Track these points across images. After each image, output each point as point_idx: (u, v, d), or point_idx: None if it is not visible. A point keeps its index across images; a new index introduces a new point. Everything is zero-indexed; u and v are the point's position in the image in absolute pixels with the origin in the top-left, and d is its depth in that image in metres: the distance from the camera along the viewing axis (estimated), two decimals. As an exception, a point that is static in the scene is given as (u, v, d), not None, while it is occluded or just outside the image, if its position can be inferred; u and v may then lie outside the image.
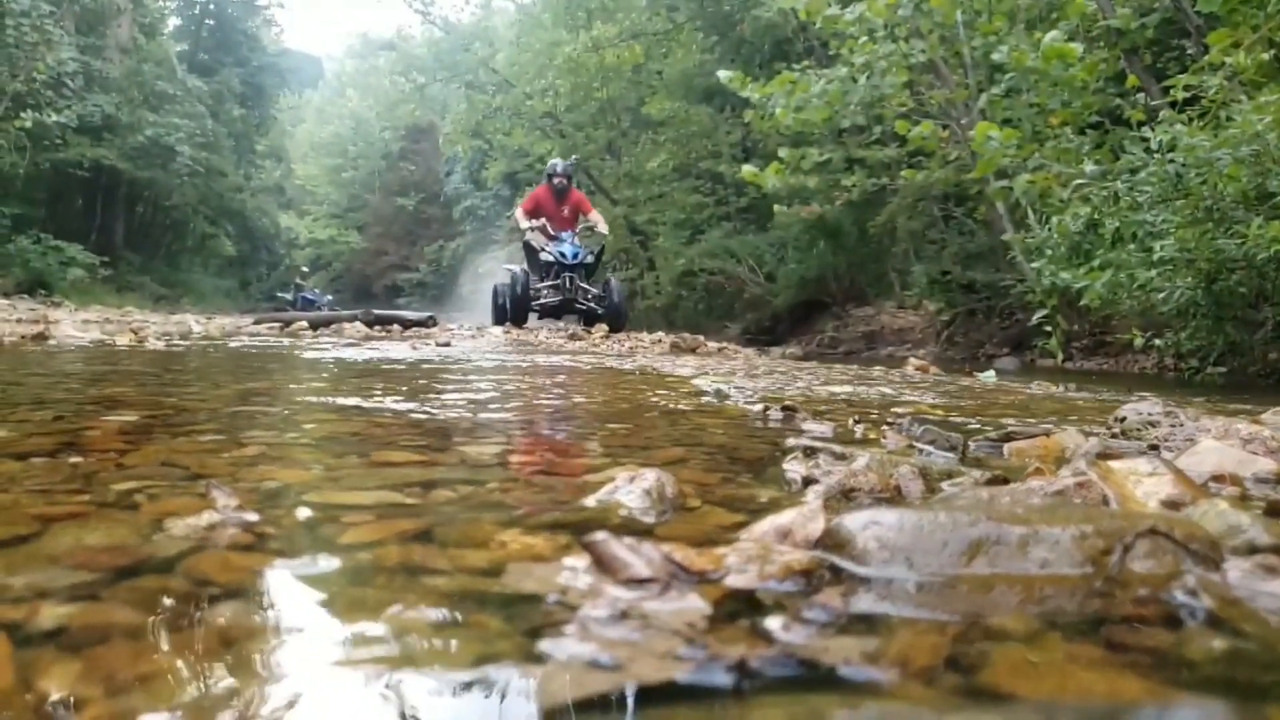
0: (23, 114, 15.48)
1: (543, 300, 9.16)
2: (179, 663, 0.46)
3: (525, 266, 9.72)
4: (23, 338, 4.23)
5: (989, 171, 5.93)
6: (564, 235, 9.24)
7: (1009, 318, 7.97)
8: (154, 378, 2.34)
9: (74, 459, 0.99)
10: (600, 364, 3.50)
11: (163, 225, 25.66)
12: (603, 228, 9.69)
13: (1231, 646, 0.51)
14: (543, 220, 9.33)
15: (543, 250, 9.24)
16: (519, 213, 9.70)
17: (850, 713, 0.42)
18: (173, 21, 27.96)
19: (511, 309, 8.96)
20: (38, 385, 2.05)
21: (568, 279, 9.03)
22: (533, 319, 9.37)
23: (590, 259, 9.33)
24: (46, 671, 0.44)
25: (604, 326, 9.06)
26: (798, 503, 0.75)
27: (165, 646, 0.48)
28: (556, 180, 9.71)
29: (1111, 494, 0.79)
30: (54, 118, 16.03)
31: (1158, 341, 5.01)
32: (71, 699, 0.41)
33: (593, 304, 9.12)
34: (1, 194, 16.85)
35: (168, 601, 0.55)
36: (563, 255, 9.07)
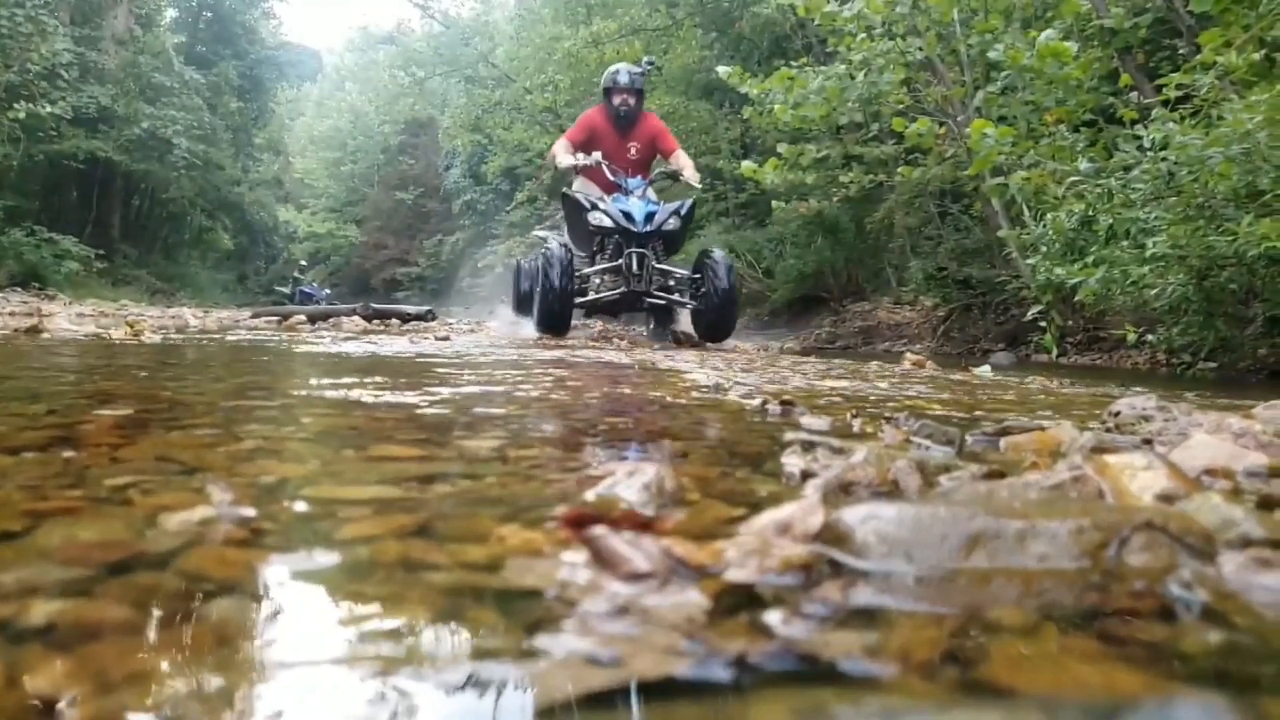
0: (16, 105, 15.41)
1: (595, 293, 5.67)
2: (172, 660, 0.46)
3: (565, 238, 6.04)
4: (16, 331, 4.22)
5: (985, 168, 5.94)
6: (631, 184, 5.70)
7: (1004, 313, 7.99)
8: (149, 372, 2.33)
9: (67, 453, 0.98)
10: (599, 358, 3.50)
11: (159, 218, 25.60)
12: (691, 175, 5.92)
13: (1226, 639, 0.51)
14: (596, 155, 5.77)
15: (594, 208, 5.57)
16: (559, 145, 6.06)
17: (850, 706, 0.42)
18: (170, 13, 27.82)
19: (544, 306, 5.36)
20: (31, 379, 2.04)
21: (635, 257, 5.50)
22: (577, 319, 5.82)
23: (674, 224, 5.64)
24: (36, 669, 0.43)
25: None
26: (796, 497, 0.75)
27: (158, 643, 0.48)
28: (619, 100, 6.01)
29: (1107, 488, 0.80)
30: (48, 109, 15.96)
31: (1150, 337, 5.04)
32: (62, 696, 0.41)
33: (679, 296, 5.69)
34: (-5, 186, 16.78)
35: (161, 598, 0.54)
36: (629, 217, 5.48)
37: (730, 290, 5.53)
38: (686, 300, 5.71)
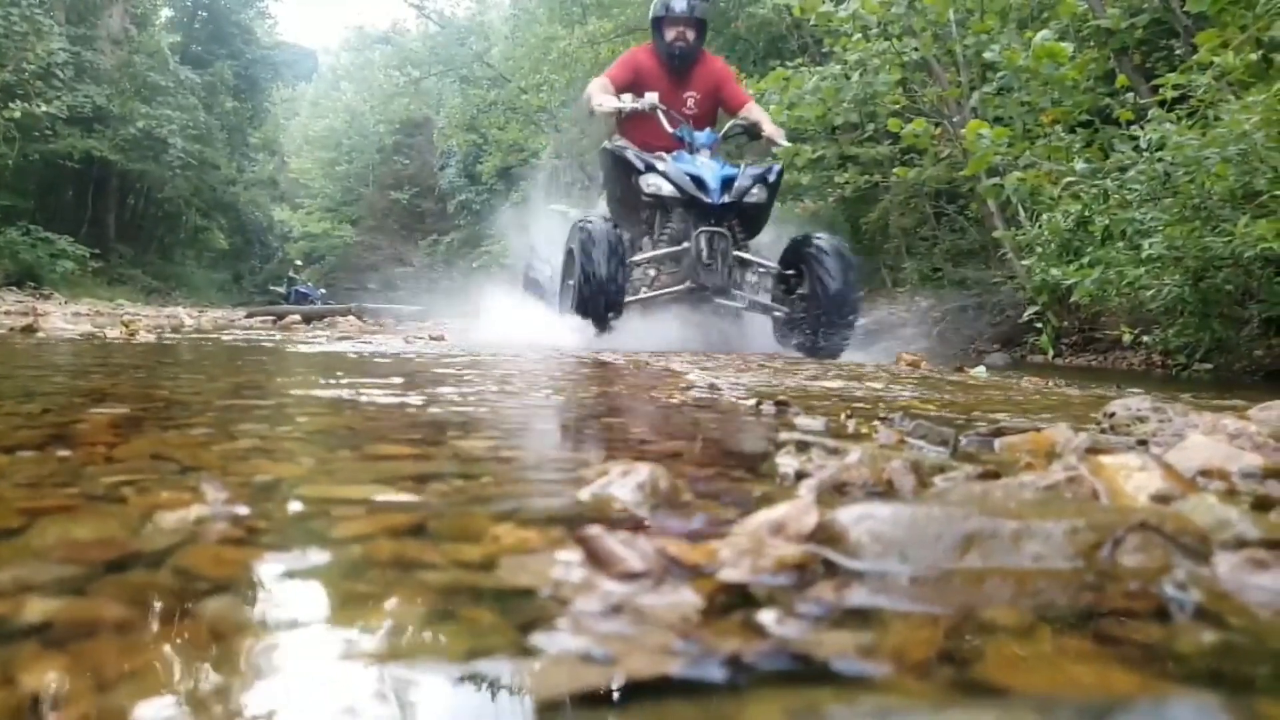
0: (12, 104, 15.38)
1: (648, 289, 4.21)
2: (167, 658, 0.46)
3: (605, 212, 4.54)
4: (11, 330, 4.20)
5: (980, 169, 5.95)
6: (699, 138, 4.27)
7: (1000, 314, 8.00)
8: (145, 371, 2.33)
9: (62, 452, 0.98)
10: (593, 358, 3.50)
11: (155, 218, 25.59)
12: (774, 130, 4.49)
13: (1220, 639, 0.51)
14: (652, 97, 4.29)
15: (649, 169, 4.11)
16: (595, 85, 4.54)
17: (844, 706, 0.42)
18: (165, 13, 27.80)
19: (584, 304, 3.98)
20: (26, 378, 2.03)
21: (707, 239, 4.06)
22: (629, 318, 4.15)
23: (761, 196, 4.19)
24: (31, 667, 0.43)
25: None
26: (791, 497, 0.75)
27: (153, 641, 0.48)
28: (674, 34, 4.51)
29: (1102, 488, 0.80)
30: (43, 108, 15.95)
31: (1146, 338, 5.06)
32: (57, 695, 0.41)
33: (766, 298, 4.27)
34: (-10, 185, 16.76)
35: (156, 596, 0.54)
36: (699, 182, 4.05)
37: (848, 293, 3.97)
38: (772, 304, 4.23)
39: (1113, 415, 1.49)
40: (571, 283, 4.14)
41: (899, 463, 0.88)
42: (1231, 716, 0.42)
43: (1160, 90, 4.83)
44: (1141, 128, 4.73)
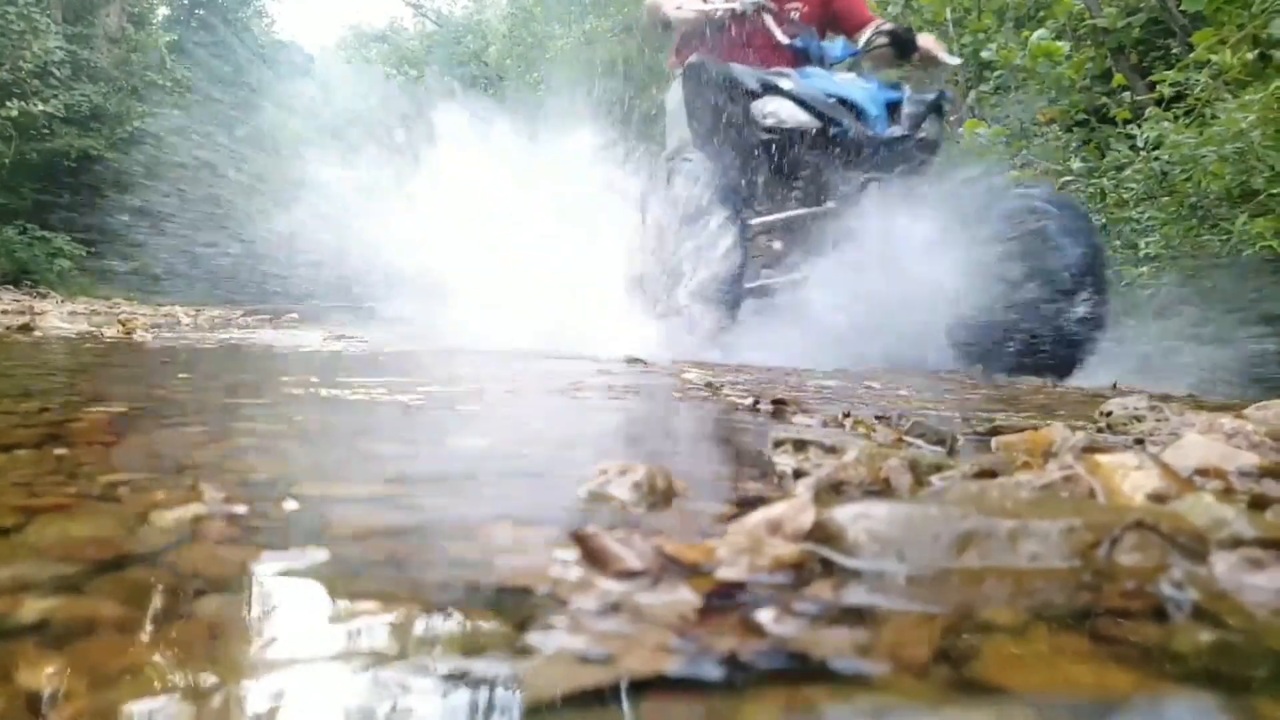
0: (9, 103, 15.35)
1: (776, 269, 3.10)
2: (164, 656, 0.46)
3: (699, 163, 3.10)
4: (8, 329, 4.20)
5: (979, 168, 5.95)
6: (830, 50, 3.18)
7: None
8: (142, 369, 2.32)
9: (59, 451, 0.98)
10: (589, 355, 3.49)
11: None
12: (932, 42, 3.43)
13: (1218, 639, 0.51)
14: (747, 0, 3.14)
15: (769, 90, 2.92)
16: None
17: (842, 705, 0.42)
18: (162, 11, 27.74)
19: (697, 283, 2.80)
20: (23, 376, 2.03)
21: (862, 187, 2.84)
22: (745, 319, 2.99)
23: (932, 130, 3.03)
24: (27, 665, 0.43)
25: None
26: (788, 495, 0.75)
27: (150, 640, 0.48)
28: None
29: (1099, 487, 0.80)
30: (40, 107, 15.92)
31: (1144, 338, 5.06)
32: (53, 693, 0.41)
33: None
34: (-13, 184, 16.74)
35: (153, 594, 0.54)
36: (851, 107, 2.89)
37: (1093, 262, 2.74)
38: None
39: (1109, 414, 1.49)
40: (656, 262, 2.94)
41: (896, 461, 0.88)
42: (1229, 716, 0.42)
43: (1157, 89, 4.83)
44: (1138, 126, 4.74)
